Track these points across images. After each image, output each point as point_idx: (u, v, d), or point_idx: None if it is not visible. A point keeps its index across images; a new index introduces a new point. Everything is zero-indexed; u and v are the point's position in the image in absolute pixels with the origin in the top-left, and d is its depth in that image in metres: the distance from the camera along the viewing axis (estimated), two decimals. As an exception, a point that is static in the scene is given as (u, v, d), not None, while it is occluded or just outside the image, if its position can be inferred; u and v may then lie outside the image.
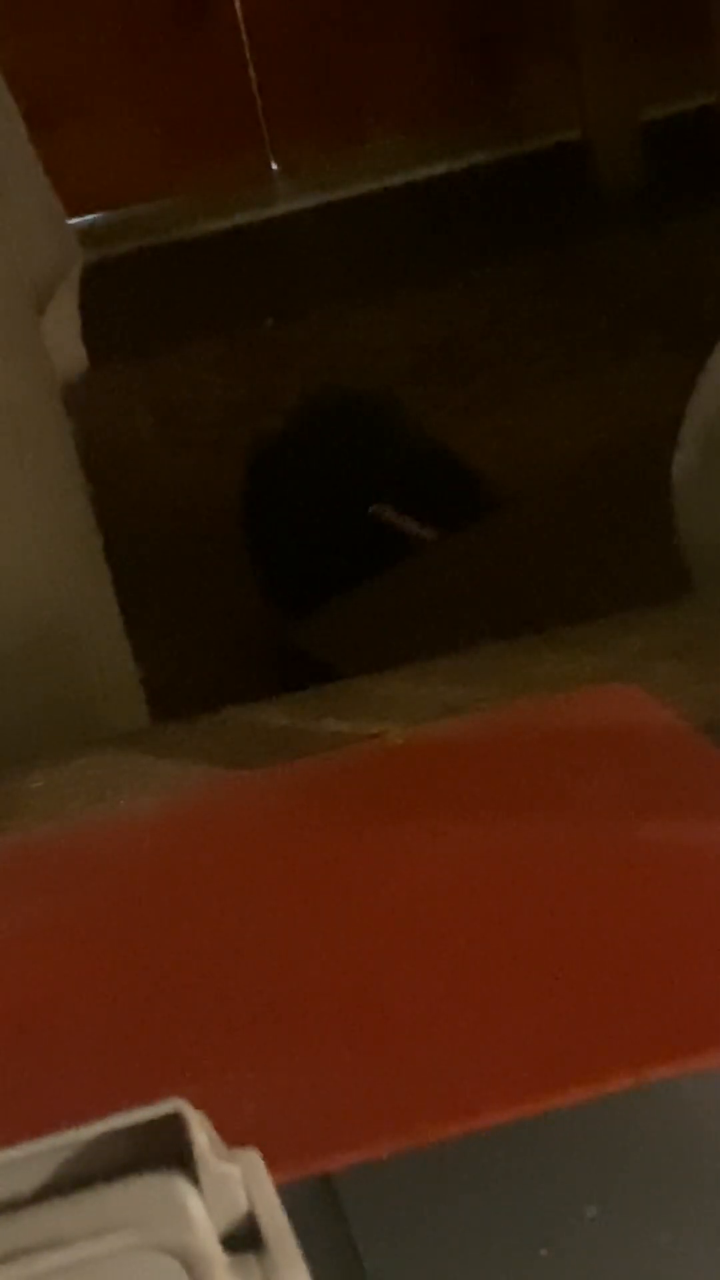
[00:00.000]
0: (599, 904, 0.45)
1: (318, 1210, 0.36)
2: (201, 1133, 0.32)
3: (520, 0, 2.51)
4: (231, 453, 1.84)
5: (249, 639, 1.69)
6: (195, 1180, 0.31)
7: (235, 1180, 0.32)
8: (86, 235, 1.51)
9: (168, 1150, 0.32)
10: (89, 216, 2.33)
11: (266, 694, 0.66)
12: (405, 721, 0.61)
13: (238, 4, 2.46)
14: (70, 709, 0.89)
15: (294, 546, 1.74)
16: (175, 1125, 0.32)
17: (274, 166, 2.52)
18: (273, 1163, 0.32)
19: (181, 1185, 0.31)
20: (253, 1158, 0.32)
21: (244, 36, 2.47)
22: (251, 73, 2.49)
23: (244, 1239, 0.31)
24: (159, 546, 1.78)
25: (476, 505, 1.72)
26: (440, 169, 2.51)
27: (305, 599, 1.66)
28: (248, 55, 2.48)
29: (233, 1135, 0.32)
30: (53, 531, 0.94)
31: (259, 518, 1.76)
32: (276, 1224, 0.31)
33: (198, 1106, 0.32)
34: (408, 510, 1.70)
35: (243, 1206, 0.32)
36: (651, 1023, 0.40)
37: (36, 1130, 0.32)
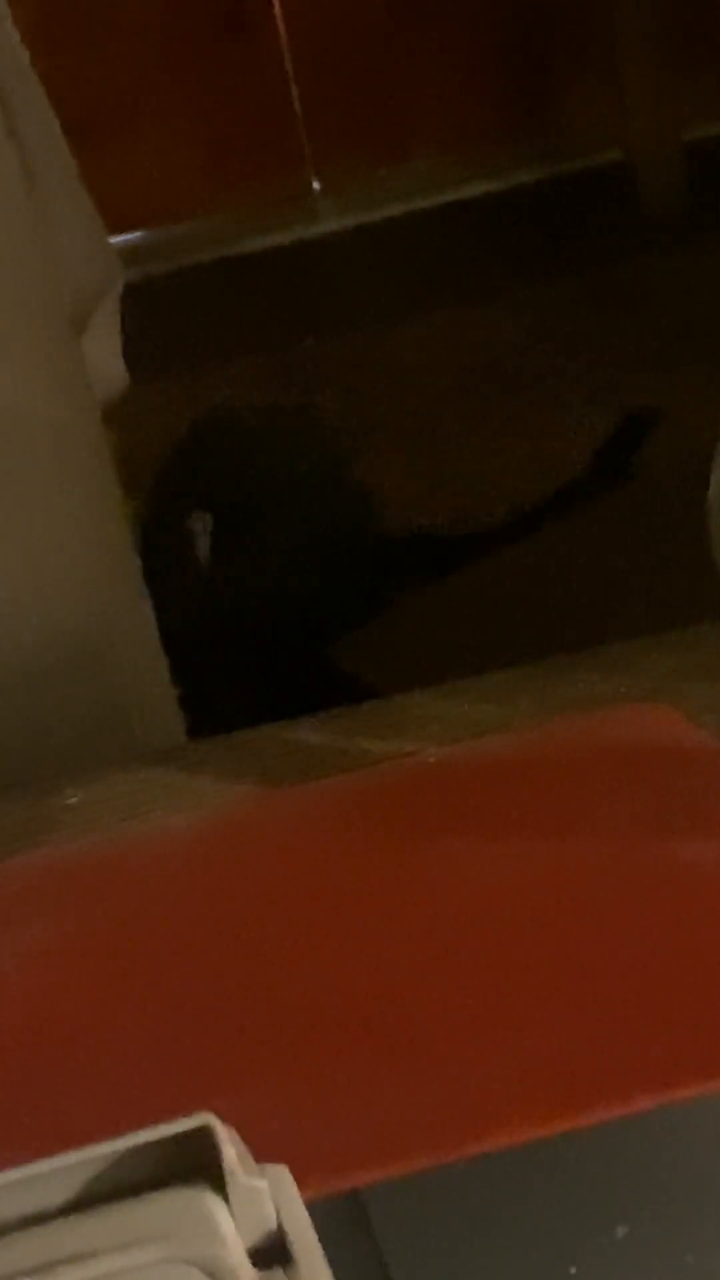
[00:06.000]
0: (629, 924, 0.45)
1: (346, 1226, 0.36)
2: (230, 1147, 0.32)
3: (564, 21, 2.51)
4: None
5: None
6: (224, 1194, 0.31)
7: (264, 1195, 0.32)
8: (128, 253, 1.51)
9: (197, 1164, 0.32)
10: (130, 235, 2.34)
11: (300, 712, 0.66)
12: (438, 740, 0.61)
13: (280, 22, 2.46)
14: (106, 725, 0.89)
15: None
16: (204, 1139, 0.32)
17: (316, 185, 2.52)
18: (301, 1178, 0.32)
19: (210, 1199, 0.31)
20: (281, 1172, 0.32)
21: (287, 55, 2.48)
22: (294, 91, 2.49)
23: (272, 1254, 0.31)
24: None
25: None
26: (483, 188, 2.51)
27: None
28: (290, 74, 2.48)
29: (262, 1150, 0.32)
30: (91, 549, 0.94)
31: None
32: (305, 1239, 0.31)
33: (227, 1121, 0.32)
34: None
35: (271, 1221, 0.32)
36: (680, 1042, 0.40)
37: (66, 1143, 0.32)
